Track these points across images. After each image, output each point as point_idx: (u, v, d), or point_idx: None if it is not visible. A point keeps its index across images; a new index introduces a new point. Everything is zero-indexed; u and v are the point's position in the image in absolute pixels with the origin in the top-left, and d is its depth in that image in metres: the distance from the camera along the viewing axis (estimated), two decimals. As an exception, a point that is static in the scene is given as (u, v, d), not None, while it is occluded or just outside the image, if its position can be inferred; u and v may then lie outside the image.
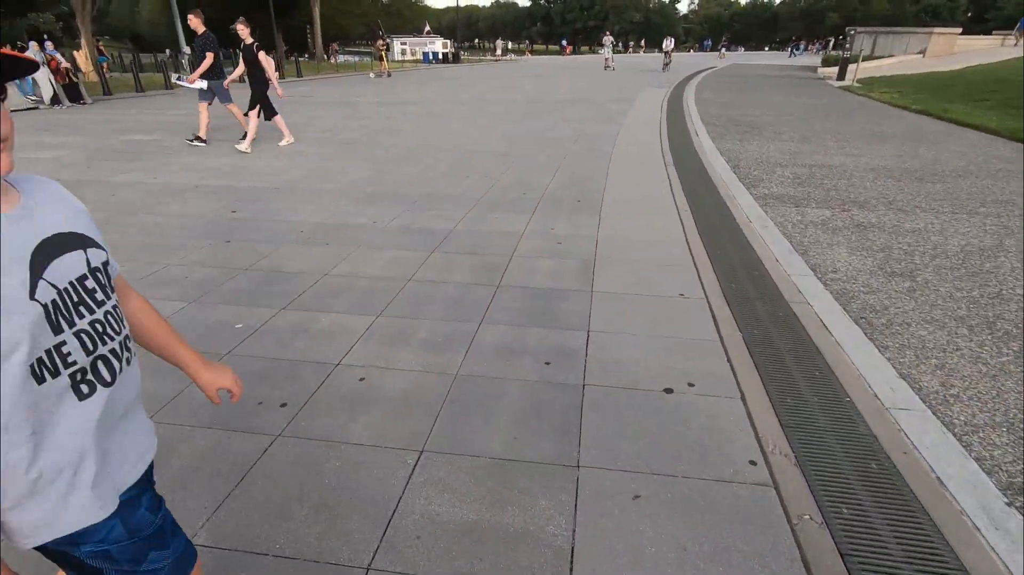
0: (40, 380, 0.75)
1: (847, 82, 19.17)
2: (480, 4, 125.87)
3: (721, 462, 2.06)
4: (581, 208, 5.13)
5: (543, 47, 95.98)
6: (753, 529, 1.77)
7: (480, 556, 1.68)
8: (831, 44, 53.71)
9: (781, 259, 4.04)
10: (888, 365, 2.76)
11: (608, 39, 28.86)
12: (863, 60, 20.87)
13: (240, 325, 3.04)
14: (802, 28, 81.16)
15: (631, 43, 74.03)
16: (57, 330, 0.77)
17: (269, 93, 8.17)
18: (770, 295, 3.44)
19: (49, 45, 14.40)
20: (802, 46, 66.06)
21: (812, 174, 6.59)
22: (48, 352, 0.76)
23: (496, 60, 44.32)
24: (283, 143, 8.36)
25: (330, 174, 6.54)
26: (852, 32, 22.04)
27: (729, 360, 2.73)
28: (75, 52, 17.81)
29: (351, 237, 4.40)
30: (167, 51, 27.91)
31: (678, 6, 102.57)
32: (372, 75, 26.25)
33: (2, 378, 0.71)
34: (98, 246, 0.89)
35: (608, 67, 27.27)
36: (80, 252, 0.85)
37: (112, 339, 0.86)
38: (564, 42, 76.05)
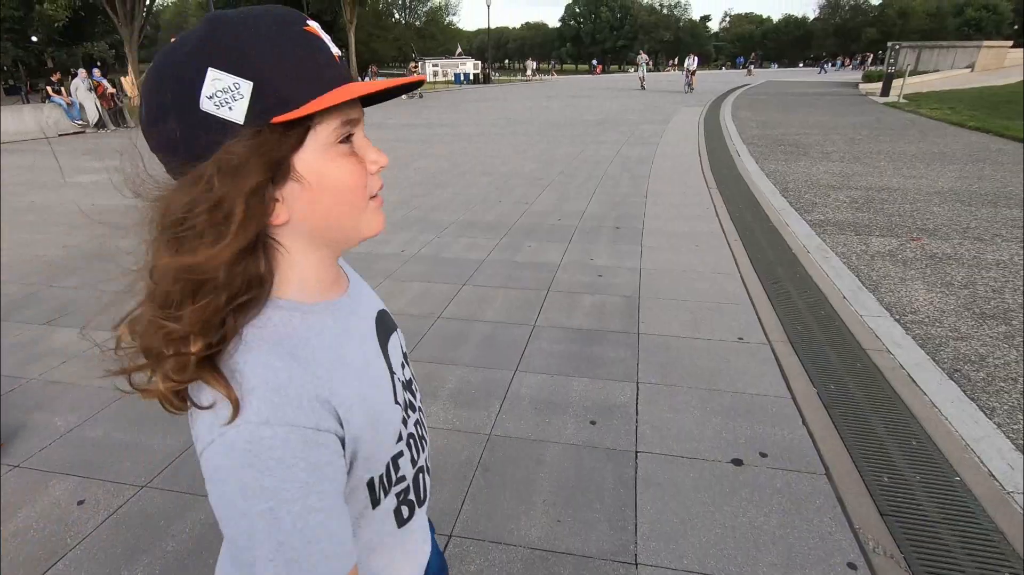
0: (375, 502, 0.57)
1: (892, 98, 18.41)
2: (511, 25, 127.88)
3: (813, 563, 1.69)
4: (621, 236, 4.80)
5: (573, 67, 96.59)
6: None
7: None
8: (869, 60, 52.42)
9: (849, 296, 3.62)
10: (999, 433, 2.33)
11: (643, 58, 28.64)
12: (909, 75, 20.06)
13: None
14: (836, 44, 79.57)
15: (671, 61, 73.60)
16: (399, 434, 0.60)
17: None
18: (843, 341, 3.04)
19: (96, 72, 14.90)
20: (838, 62, 64.66)
21: (870, 198, 6.12)
22: (387, 464, 0.58)
23: (527, 80, 44.61)
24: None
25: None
26: (896, 47, 21.28)
27: (806, 423, 2.35)
28: (122, 78, 18.46)
29: (379, 268, 4.16)
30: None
31: (709, 24, 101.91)
32: (405, 97, 26.53)
33: (357, 502, 0.55)
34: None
35: (642, 86, 27.01)
36: (396, 334, 0.69)
37: (426, 444, 0.68)
38: (595, 62, 76.27)
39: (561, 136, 11.36)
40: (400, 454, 0.59)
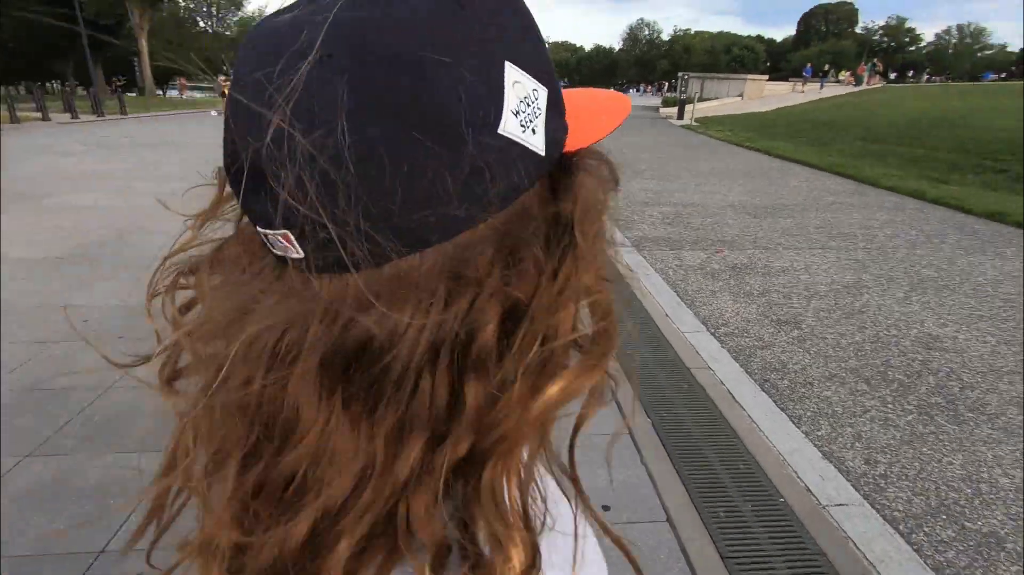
0: None
1: (687, 121, 21.12)
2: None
3: (666, 641, 1.53)
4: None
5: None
6: None
7: None
8: (665, 87, 60.23)
9: (671, 313, 3.77)
10: (808, 443, 2.47)
11: None
12: (697, 101, 23.24)
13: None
14: (638, 73, 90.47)
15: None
16: None
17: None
18: (670, 361, 3.09)
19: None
20: (641, 88, 73.40)
21: (679, 213, 6.70)
22: None
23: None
24: None
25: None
26: (684, 77, 24.54)
27: (644, 462, 2.26)
28: None
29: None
30: None
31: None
32: (214, 112, 23.96)
33: None
34: None
35: None
36: None
37: None
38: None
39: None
40: None
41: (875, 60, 67.68)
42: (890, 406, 2.76)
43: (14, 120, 16.21)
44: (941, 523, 2.04)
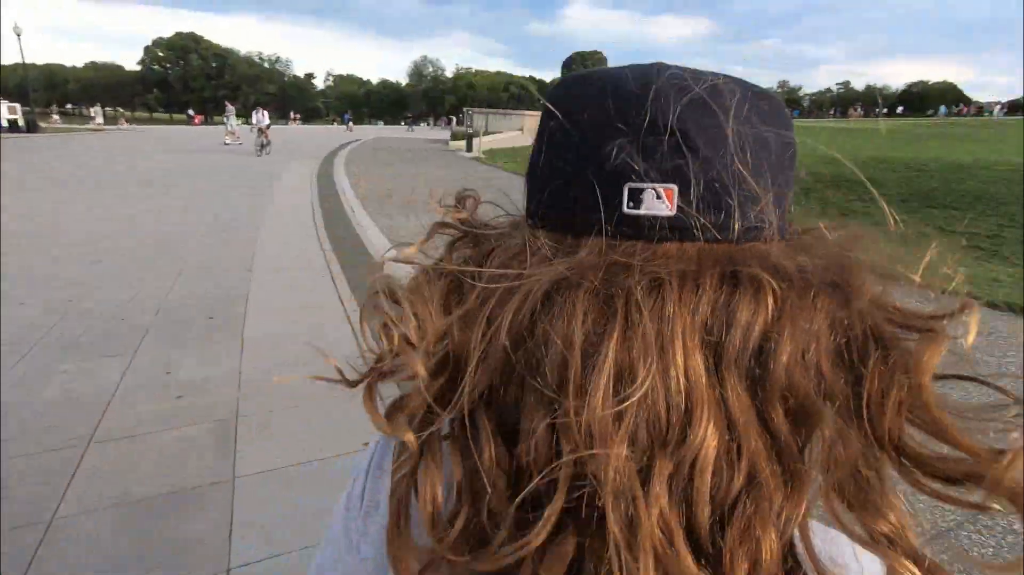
0: None
1: (476, 154, 22.06)
2: (69, 63, 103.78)
3: None
4: (216, 329, 3.78)
5: (167, 116, 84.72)
6: None
7: None
8: (454, 121, 62.89)
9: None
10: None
11: (230, 108, 26.09)
12: (483, 135, 24.51)
13: None
14: (427, 106, 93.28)
15: (295, 115, 71.09)
16: None
17: None
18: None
19: None
20: (430, 121, 75.55)
21: (473, 245, 6.69)
22: None
23: (97, 130, 36.41)
24: None
25: None
26: (469, 111, 25.74)
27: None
28: None
29: None
30: None
31: (314, 81, 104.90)
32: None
33: None
34: None
35: (232, 141, 24.02)
36: None
37: None
38: (191, 112, 68.61)
39: (133, 196, 9.18)
40: None
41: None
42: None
43: None
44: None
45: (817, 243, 0.31)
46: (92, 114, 47.84)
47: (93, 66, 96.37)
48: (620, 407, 0.26)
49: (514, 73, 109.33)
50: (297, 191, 10.57)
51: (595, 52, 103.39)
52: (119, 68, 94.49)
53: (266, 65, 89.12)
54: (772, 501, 0.26)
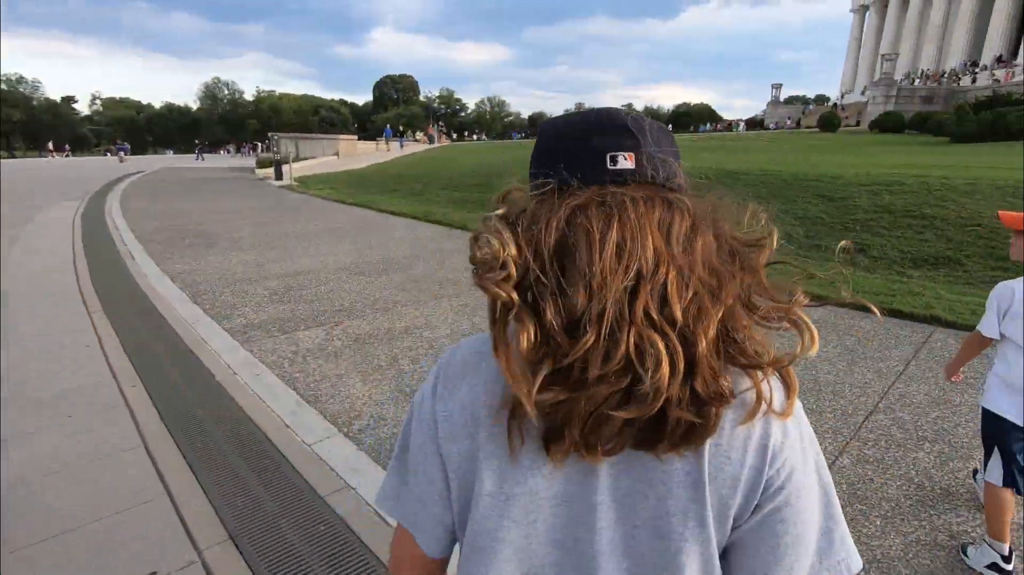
0: None
1: (286, 182, 20.41)
2: None
3: None
4: (-93, 448, 2.70)
5: None
6: None
7: None
8: (260, 147, 57.97)
9: (291, 421, 3.06)
10: None
11: None
12: (293, 161, 22.81)
13: None
14: (225, 132, 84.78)
15: (54, 147, 56.76)
16: None
17: None
18: (300, 497, 2.38)
19: None
20: (231, 148, 68.75)
21: (288, 286, 5.96)
22: None
23: None
24: None
25: None
26: (275, 137, 23.82)
27: None
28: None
29: None
30: None
31: (75, 105, 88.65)
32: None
33: None
34: None
35: None
36: None
37: None
38: None
39: None
40: None
41: (440, 123, 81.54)
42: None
43: None
44: None
45: (701, 195, 0.57)
46: None
47: None
48: (621, 264, 0.49)
49: (323, 96, 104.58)
50: (49, 252, 8.59)
51: (405, 76, 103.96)
52: None
53: (3, 87, 72.91)
54: (706, 303, 0.50)
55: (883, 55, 45.20)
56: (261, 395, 3.36)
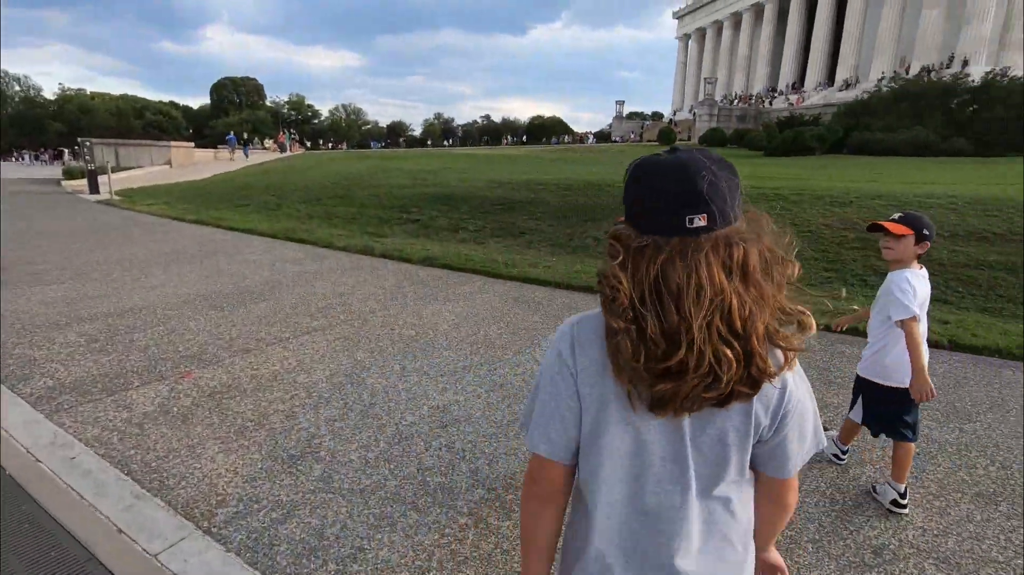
0: None
1: (104, 196, 17.43)
2: None
3: None
4: None
5: None
6: None
7: None
8: (67, 154, 49.47)
9: (125, 525, 2.33)
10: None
11: None
12: (113, 171, 19.55)
13: None
14: (18, 136, 71.13)
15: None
16: None
17: None
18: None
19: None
20: (27, 156, 57.87)
21: (114, 328, 4.84)
22: None
23: None
24: None
25: None
26: (88, 143, 20.35)
27: None
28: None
29: None
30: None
31: None
32: None
33: None
34: None
35: None
36: None
37: None
38: None
39: None
40: None
41: (292, 130, 76.24)
42: (455, 533, 2.34)
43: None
44: None
45: (749, 219, 0.83)
46: None
47: None
48: (700, 303, 0.77)
49: (149, 98, 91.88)
50: None
51: (248, 78, 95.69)
52: None
53: None
54: (755, 310, 0.79)
55: (705, 78, 51.22)
56: (80, 490, 2.54)
